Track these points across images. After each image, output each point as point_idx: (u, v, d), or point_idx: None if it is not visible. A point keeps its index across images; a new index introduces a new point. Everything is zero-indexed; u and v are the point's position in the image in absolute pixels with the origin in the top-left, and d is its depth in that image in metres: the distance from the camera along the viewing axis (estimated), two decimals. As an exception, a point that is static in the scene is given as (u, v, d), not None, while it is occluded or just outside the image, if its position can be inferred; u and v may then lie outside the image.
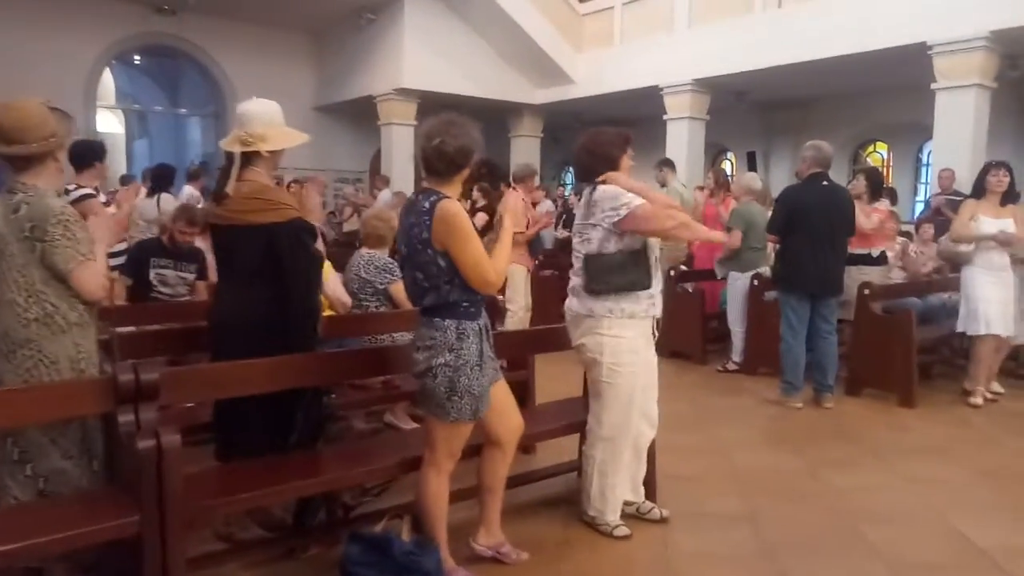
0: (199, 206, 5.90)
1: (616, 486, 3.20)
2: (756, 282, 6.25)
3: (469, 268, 2.50)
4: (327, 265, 4.36)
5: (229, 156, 2.84)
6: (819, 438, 4.61)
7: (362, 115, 13.63)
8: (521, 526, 3.18)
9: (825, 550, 3.12)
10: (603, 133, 3.27)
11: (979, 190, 5.41)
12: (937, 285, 5.95)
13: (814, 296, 5.23)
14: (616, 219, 3.04)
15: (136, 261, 4.75)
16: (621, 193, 3.08)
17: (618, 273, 3.06)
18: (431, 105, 12.88)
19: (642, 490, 3.39)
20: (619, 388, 3.12)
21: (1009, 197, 5.34)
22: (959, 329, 5.47)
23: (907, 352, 5.26)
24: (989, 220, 5.24)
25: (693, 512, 3.44)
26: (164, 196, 6.85)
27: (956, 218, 5.52)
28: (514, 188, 7.20)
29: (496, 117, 14.14)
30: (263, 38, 13.64)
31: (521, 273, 6.96)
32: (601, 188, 3.14)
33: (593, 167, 3.21)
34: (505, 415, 2.78)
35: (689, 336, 6.70)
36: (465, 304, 2.57)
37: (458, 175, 2.61)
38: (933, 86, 8.80)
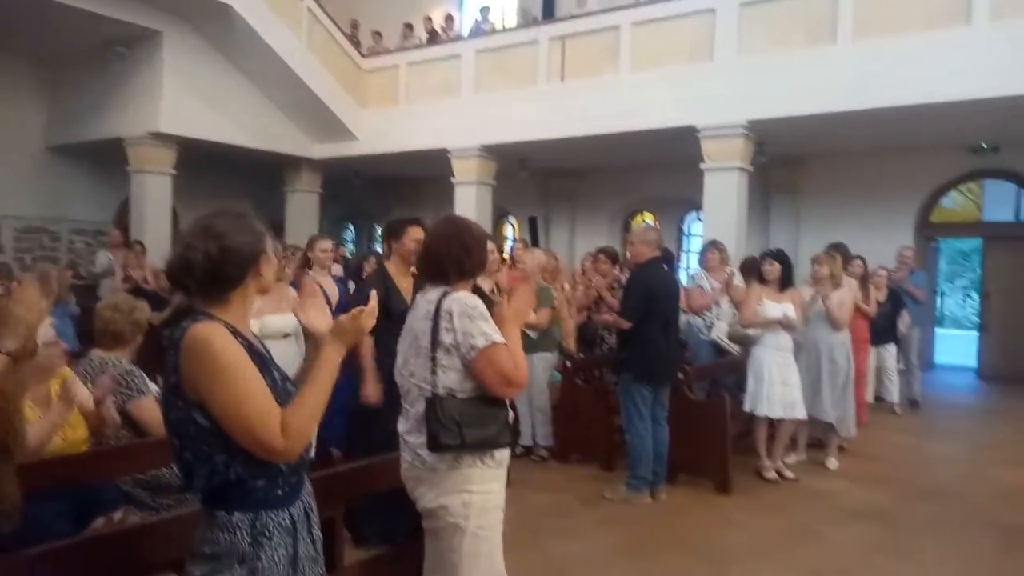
0: None
1: None
2: (568, 363, 6.02)
3: (235, 426, 1.62)
4: (67, 374, 3.28)
5: None
6: (658, 547, 4.31)
7: (108, 158, 11.73)
8: None
9: None
10: (472, 230, 2.60)
11: (760, 276, 5.75)
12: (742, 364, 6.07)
13: (659, 383, 5.06)
14: (472, 355, 2.37)
15: None
16: (482, 314, 2.42)
17: (476, 423, 2.37)
18: (193, 153, 11.47)
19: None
20: (482, 558, 2.43)
21: (787, 282, 5.67)
22: (746, 408, 5.59)
23: (722, 439, 5.23)
24: (772, 304, 5.54)
25: None
26: None
27: (744, 303, 5.78)
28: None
29: (271, 170, 13.01)
30: (-22, 63, 11.31)
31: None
32: (456, 297, 2.44)
33: (443, 269, 2.52)
34: None
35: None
36: (261, 483, 1.68)
37: (234, 290, 1.76)
38: (702, 166, 9.52)
